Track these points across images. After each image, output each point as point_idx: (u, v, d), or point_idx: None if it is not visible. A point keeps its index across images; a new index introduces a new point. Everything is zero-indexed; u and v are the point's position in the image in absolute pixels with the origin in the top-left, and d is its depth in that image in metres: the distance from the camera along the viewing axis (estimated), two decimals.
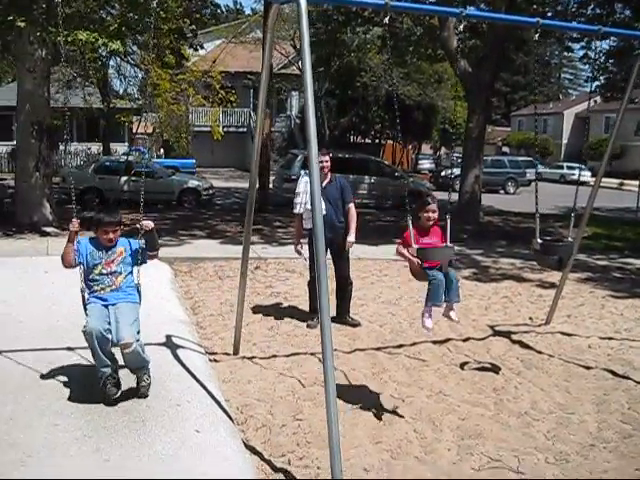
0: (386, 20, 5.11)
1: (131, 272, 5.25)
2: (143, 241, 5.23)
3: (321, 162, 7.63)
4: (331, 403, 3.96)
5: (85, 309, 5.05)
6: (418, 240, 5.54)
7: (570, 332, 8.17)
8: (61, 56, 20.12)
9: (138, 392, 5.08)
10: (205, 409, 5.04)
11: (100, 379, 4.92)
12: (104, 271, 5.10)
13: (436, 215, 5.73)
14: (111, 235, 5.12)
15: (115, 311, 4.99)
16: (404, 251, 5.63)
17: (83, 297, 5.11)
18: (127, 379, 5.17)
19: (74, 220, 5.03)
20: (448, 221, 5.71)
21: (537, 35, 5.66)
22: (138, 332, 4.98)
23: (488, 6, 18.93)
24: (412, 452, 4.83)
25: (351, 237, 7.88)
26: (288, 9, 34.98)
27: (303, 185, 7.79)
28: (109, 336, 4.84)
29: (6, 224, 14.28)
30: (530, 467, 4.66)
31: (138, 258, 5.23)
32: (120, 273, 5.15)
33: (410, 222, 5.48)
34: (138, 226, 5.21)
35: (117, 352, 5.00)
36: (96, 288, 5.09)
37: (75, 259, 5.06)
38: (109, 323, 4.90)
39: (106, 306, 5.03)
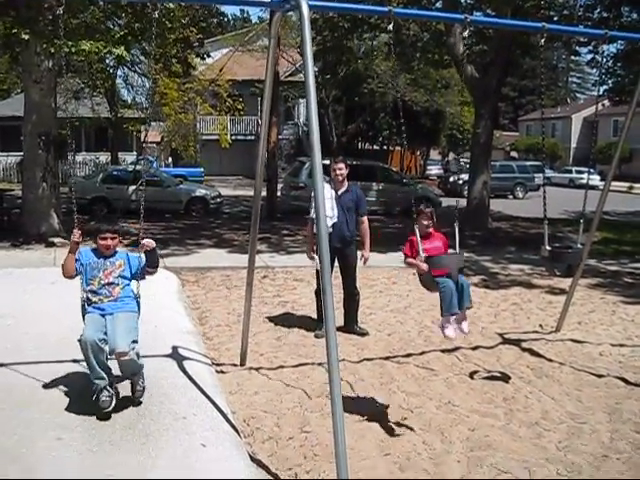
0: (390, 27, 5.01)
1: (129, 285, 5.28)
2: (143, 257, 5.29)
3: (334, 170, 7.66)
4: (337, 416, 3.89)
5: (83, 318, 5.10)
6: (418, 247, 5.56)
7: (581, 339, 8.07)
8: (68, 67, 20.20)
9: (133, 398, 5.10)
10: (211, 422, 4.98)
11: (94, 391, 4.87)
12: (102, 282, 5.14)
13: (430, 222, 5.83)
14: (109, 242, 5.19)
15: (112, 320, 5.00)
16: (412, 260, 5.67)
17: (83, 306, 5.16)
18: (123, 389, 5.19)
19: (75, 231, 5.06)
20: (457, 228, 5.68)
21: (543, 40, 5.59)
22: (135, 341, 4.96)
23: (494, 11, 18.85)
24: (421, 464, 4.75)
25: (366, 252, 7.91)
26: (295, 17, 35.02)
27: None
28: (104, 346, 4.85)
29: (14, 235, 14.26)
30: (541, 479, 4.57)
31: (137, 273, 5.29)
32: (117, 284, 5.19)
33: (416, 229, 5.55)
34: (139, 243, 5.27)
35: (113, 365, 5.02)
36: (94, 299, 5.12)
37: (76, 269, 5.14)
38: (105, 333, 4.90)
39: (103, 315, 5.05)
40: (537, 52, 6.63)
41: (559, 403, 5.99)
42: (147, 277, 5.41)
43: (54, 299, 8.41)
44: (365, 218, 7.96)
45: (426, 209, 5.87)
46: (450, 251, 5.93)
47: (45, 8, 12.49)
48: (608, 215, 21.88)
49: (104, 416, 4.82)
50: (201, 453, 4.43)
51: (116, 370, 5.05)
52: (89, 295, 5.13)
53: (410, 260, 5.70)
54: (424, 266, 5.51)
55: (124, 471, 4.11)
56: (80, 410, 4.99)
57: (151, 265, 5.34)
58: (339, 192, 7.72)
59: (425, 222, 5.80)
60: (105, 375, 4.88)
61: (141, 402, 5.08)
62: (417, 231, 5.53)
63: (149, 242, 5.24)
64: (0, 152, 36.94)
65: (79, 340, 4.84)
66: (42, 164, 14.32)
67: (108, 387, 4.88)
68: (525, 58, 26.53)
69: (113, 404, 4.85)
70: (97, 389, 4.85)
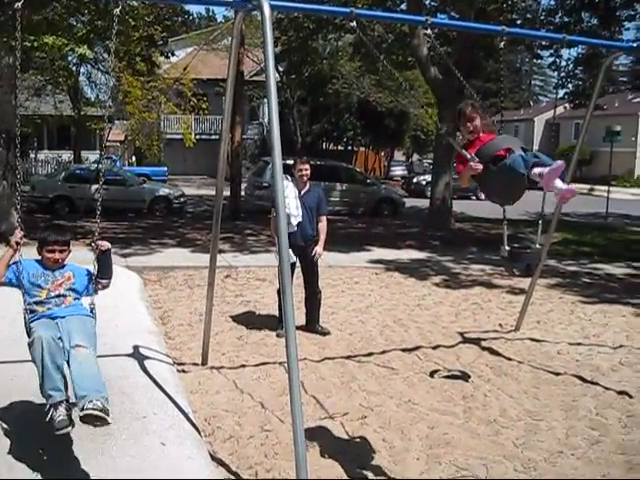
0: (353, 24, 5.01)
1: (79, 299, 4.59)
2: (95, 267, 4.59)
3: (300, 170, 7.75)
4: (297, 415, 3.91)
5: (28, 330, 4.30)
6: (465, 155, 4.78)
7: (539, 338, 8.21)
8: (29, 63, 19.89)
9: (87, 413, 3.81)
10: (171, 421, 4.96)
11: (48, 408, 3.97)
12: (52, 294, 4.45)
13: (478, 122, 4.85)
14: (57, 255, 4.53)
15: (65, 322, 4.28)
16: (467, 170, 4.73)
17: (25, 320, 4.36)
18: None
19: (17, 231, 4.48)
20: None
21: (503, 43, 5.68)
22: (95, 342, 4.26)
23: (458, 14, 19.04)
24: (380, 462, 4.80)
25: (319, 248, 7.95)
26: (260, 16, 34.80)
27: (287, 190, 7.78)
28: (61, 345, 4.09)
29: None
30: (498, 476, 4.64)
31: (88, 288, 4.61)
32: (69, 296, 4.51)
33: (454, 143, 5.02)
34: (93, 245, 4.63)
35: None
36: (41, 309, 4.38)
37: (9, 279, 4.46)
38: (60, 335, 4.17)
39: (53, 318, 4.33)
40: (500, 54, 6.71)
41: (517, 401, 6.09)
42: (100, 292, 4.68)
43: (12, 298, 8.29)
44: (324, 218, 8.00)
45: (466, 108, 4.86)
46: None
47: (4, 3, 12.32)
48: (569, 216, 22.21)
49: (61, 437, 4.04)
50: (161, 452, 4.42)
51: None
52: (34, 307, 4.38)
53: (465, 172, 4.78)
54: (477, 164, 4.63)
55: (82, 470, 4.08)
56: (38, 411, 4.92)
57: (104, 275, 4.64)
58: (302, 192, 7.79)
59: (468, 125, 4.85)
60: (62, 386, 4.00)
61: (102, 416, 3.82)
62: (454, 144, 4.86)
63: (103, 243, 4.59)
64: None
65: (29, 343, 4.11)
66: (2, 162, 14.10)
67: (65, 402, 3.99)
68: (489, 60, 26.82)
69: (72, 425, 3.96)
70: (52, 403, 3.94)
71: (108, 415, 3.85)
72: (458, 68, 18.60)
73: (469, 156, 4.70)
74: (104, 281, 4.69)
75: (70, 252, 4.69)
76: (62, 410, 3.94)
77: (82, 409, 3.81)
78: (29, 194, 20.84)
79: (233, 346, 7.42)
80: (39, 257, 4.61)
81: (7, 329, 6.48)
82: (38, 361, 4.00)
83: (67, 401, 4.00)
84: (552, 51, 21.67)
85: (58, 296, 4.47)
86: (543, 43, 21.19)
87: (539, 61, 60.45)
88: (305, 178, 7.82)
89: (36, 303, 4.40)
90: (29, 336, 4.24)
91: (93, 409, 3.78)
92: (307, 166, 7.83)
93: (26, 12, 13.06)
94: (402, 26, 20.54)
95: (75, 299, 4.55)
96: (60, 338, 4.13)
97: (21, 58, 5.14)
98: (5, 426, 4.66)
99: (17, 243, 4.43)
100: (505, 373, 6.86)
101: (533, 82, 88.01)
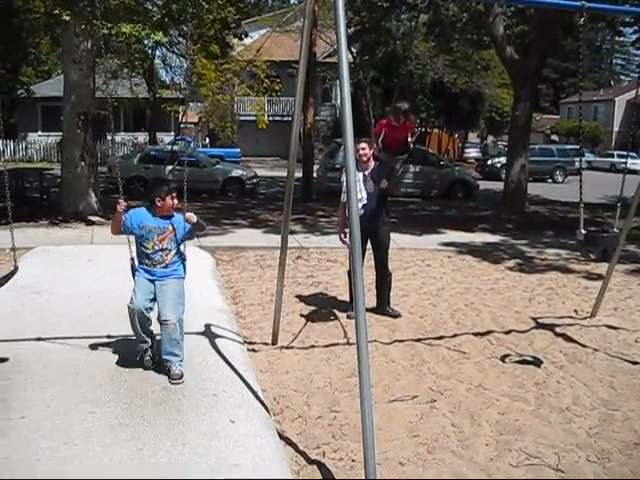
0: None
1: (179, 247, 5.47)
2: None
3: (357, 150, 7.38)
4: (365, 395, 3.89)
5: (133, 276, 5.41)
6: None
7: (616, 325, 7.96)
8: (107, 48, 20.34)
9: (169, 380, 5.23)
10: (241, 399, 5.03)
11: (138, 352, 5.44)
12: (156, 247, 5.34)
13: None
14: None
15: (162, 287, 5.30)
16: None
17: (132, 265, 5.45)
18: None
19: (121, 201, 5.24)
20: None
21: (582, 19, 5.48)
22: (182, 308, 5.33)
23: None
24: (449, 446, 4.74)
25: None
26: None
27: None
28: (150, 315, 5.25)
29: (53, 213, 14.50)
30: (570, 465, 4.53)
31: (184, 236, 5.47)
32: (170, 250, 5.38)
33: None
34: (183, 215, 5.39)
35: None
36: (147, 262, 5.37)
37: (121, 230, 5.37)
38: (152, 300, 5.27)
39: (152, 281, 5.33)
40: (579, 32, 6.46)
41: (591, 389, 5.92)
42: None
43: (91, 276, 8.56)
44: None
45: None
46: None
47: None
48: None
49: (147, 368, 5.41)
50: (230, 429, 4.48)
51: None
52: (141, 256, 5.39)
53: None
54: None
55: (155, 444, 4.17)
56: (113, 386, 5.09)
57: (199, 230, 5.58)
58: (366, 173, 7.59)
59: None
60: (148, 339, 5.36)
61: (178, 382, 5.17)
62: None
63: (190, 216, 5.34)
64: (41, 132, 37.60)
65: (128, 306, 5.21)
66: (80, 143, 14.47)
67: (150, 350, 5.41)
68: (567, 39, 26.05)
69: (154, 364, 5.41)
70: (140, 350, 5.41)
71: (182, 377, 5.21)
72: (535, 47, 18.15)
73: None
74: (200, 232, 5.74)
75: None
76: (149, 355, 5.45)
77: (168, 375, 5.23)
78: (106, 175, 21.36)
79: (303, 327, 7.45)
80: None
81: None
82: (131, 323, 5.28)
83: (152, 347, 5.43)
84: (636, 27, 20.86)
85: (162, 250, 5.36)
86: (626, 19, 20.41)
87: (621, 38, 58.66)
88: (365, 158, 7.50)
89: (144, 254, 5.39)
90: (134, 278, 5.42)
91: (173, 379, 5.19)
92: (363, 145, 7.51)
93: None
94: (477, 5, 20.12)
95: (176, 252, 5.43)
96: (150, 307, 5.27)
97: (99, 43, 5.31)
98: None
99: (121, 214, 5.29)
100: (579, 360, 6.68)
101: (614, 61, 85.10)
